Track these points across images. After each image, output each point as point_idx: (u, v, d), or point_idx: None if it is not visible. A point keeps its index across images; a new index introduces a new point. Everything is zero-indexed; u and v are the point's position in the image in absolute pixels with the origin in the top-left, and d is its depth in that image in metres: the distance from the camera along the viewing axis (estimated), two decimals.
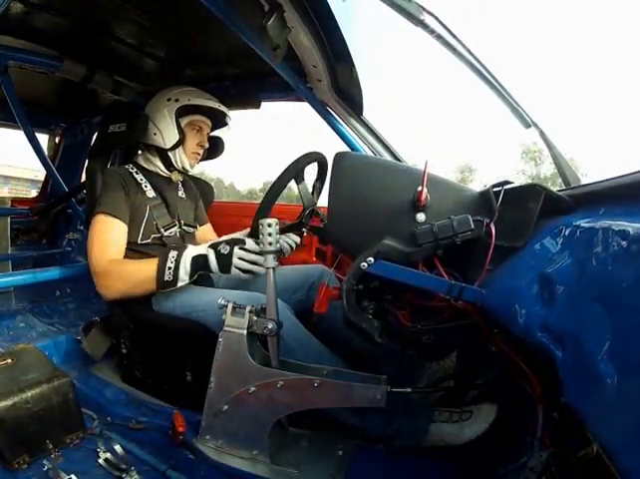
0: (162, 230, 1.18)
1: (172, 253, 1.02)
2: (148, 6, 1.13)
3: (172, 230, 1.21)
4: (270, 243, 0.86)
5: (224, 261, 0.98)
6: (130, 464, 0.86)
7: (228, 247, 0.98)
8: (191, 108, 1.22)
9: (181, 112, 1.20)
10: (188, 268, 1.00)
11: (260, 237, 0.86)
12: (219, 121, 1.33)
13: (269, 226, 0.86)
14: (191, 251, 1.02)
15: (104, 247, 1.07)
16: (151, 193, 1.20)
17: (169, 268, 1.00)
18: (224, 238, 1.14)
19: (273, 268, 0.87)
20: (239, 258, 0.97)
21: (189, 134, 1.23)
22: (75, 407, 0.95)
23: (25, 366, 0.96)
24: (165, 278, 1.00)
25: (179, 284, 1.01)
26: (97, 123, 2.05)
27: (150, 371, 1.16)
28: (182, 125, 1.21)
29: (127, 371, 1.21)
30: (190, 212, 1.34)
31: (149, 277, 1.01)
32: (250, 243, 0.98)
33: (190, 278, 1.01)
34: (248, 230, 1.11)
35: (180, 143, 1.21)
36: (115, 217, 1.10)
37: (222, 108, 1.26)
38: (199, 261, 1.00)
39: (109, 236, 1.09)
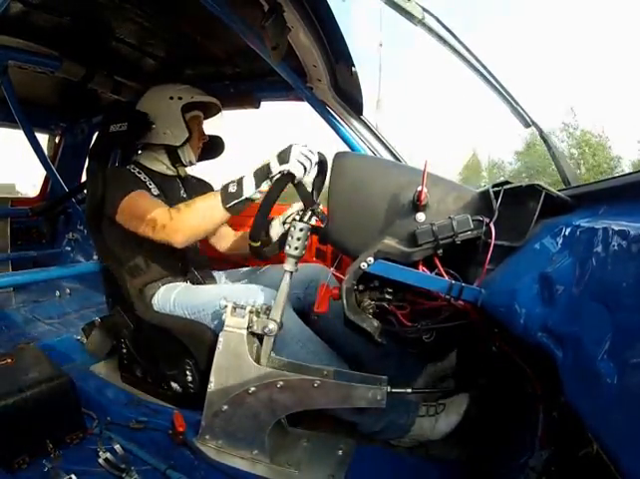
0: None
1: (233, 178, 0.96)
2: (147, 6, 1.12)
3: None
4: (297, 248, 0.85)
5: (284, 153, 0.91)
6: (130, 464, 0.86)
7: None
8: (193, 104, 1.24)
9: (185, 109, 1.23)
10: (252, 179, 0.93)
11: (289, 239, 0.86)
12: (208, 114, 1.37)
13: (301, 230, 0.86)
14: (252, 169, 0.96)
15: (154, 210, 1.01)
16: (155, 191, 1.20)
17: (233, 182, 0.94)
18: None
19: (291, 272, 0.87)
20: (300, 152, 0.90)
21: (194, 129, 1.26)
22: (75, 407, 0.95)
23: (25, 366, 0.96)
24: (230, 189, 0.94)
25: (247, 194, 0.93)
26: (97, 123, 2.05)
27: (150, 371, 1.16)
28: (187, 121, 1.23)
29: (127, 371, 1.21)
30: None
31: (214, 200, 0.95)
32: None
33: (257, 187, 0.93)
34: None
35: (189, 139, 1.24)
36: (142, 189, 1.10)
37: (219, 103, 1.33)
38: (262, 170, 0.93)
39: (150, 203, 1.05)
